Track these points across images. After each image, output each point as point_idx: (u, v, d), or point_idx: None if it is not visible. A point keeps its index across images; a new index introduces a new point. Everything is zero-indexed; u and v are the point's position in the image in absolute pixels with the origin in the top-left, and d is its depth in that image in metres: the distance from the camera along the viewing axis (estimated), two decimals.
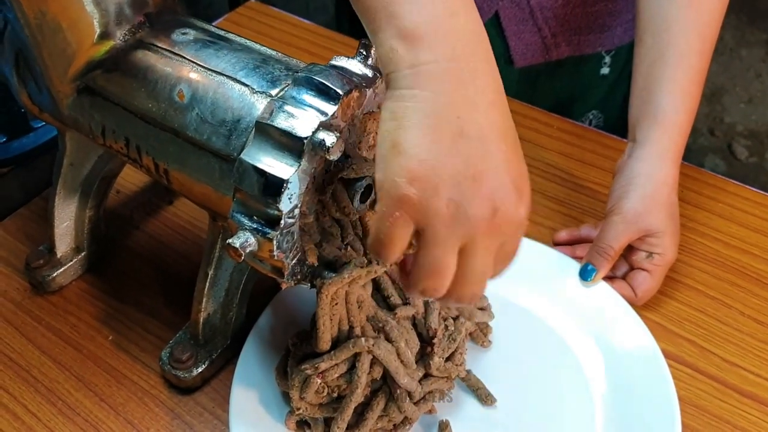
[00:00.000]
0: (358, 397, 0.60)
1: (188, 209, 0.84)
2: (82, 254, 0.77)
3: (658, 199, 0.71)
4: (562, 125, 0.93)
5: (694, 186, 0.85)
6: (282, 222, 0.51)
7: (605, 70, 1.02)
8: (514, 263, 0.73)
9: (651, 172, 0.72)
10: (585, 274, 0.72)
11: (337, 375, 0.60)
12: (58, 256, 0.76)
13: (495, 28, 0.97)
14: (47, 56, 0.61)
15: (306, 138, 0.50)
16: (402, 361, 0.61)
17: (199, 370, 0.67)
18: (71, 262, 0.76)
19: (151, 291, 0.76)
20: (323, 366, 0.59)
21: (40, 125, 0.86)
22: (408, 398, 0.61)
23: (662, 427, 0.61)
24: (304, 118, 0.50)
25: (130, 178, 0.87)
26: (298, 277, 0.56)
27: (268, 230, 0.52)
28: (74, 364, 0.70)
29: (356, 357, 0.60)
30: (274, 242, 0.52)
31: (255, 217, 0.52)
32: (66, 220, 0.75)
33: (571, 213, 0.82)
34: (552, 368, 0.68)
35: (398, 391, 0.61)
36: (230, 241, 0.51)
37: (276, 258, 0.53)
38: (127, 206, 0.84)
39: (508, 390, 0.65)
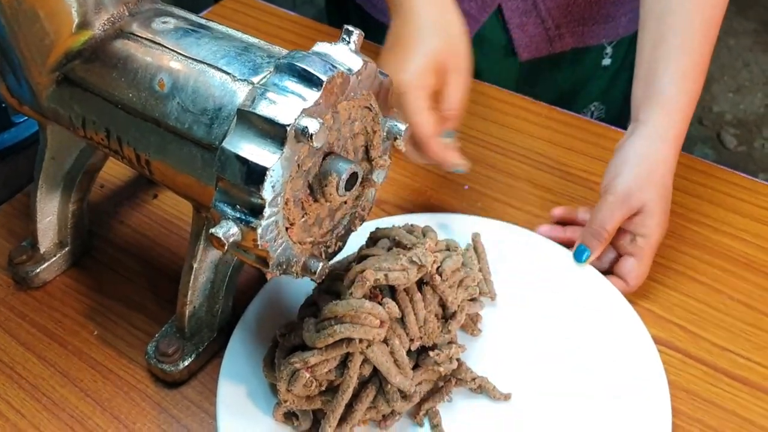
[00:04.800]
0: (348, 395, 0.59)
1: (173, 203, 0.83)
2: (66, 249, 0.76)
3: (651, 178, 0.70)
4: (551, 114, 0.93)
5: (683, 172, 0.84)
6: (265, 211, 0.51)
7: (606, 61, 1.01)
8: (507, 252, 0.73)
9: (647, 152, 0.71)
10: (578, 255, 0.72)
11: (326, 370, 0.59)
12: (42, 251, 0.75)
13: (498, 21, 0.97)
14: (24, 47, 0.60)
15: (288, 125, 0.49)
16: (396, 360, 0.60)
17: (186, 363, 0.66)
18: (55, 258, 0.75)
19: (137, 285, 0.75)
20: (313, 361, 0.58)
21: (21, 120, 0.85)
22: (398, 393, 0.60)
23: (653, 412, 0.61)
24: (287, 104, 0.50)
25: (114, 173, 0.86)
26: (284, 267, 0.56)
27: (251, 219, 0.51)
28: (59, 359, 0.69)
29: (347, 354, 0.59)
30: (258, 231, 0.51)
31: (238, 206, 0.51)
32: (48, 215, 0.74)
33: (561, 201, 0.82)
34: (541, 355, 0.67)
35: (388, 386, 0.60)
36: (213, 230, 0.50)
37: (260, 247, 0.52)
38: (111, 201, 0.84)
39: (498, 377, 0.65)
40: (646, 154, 0.71)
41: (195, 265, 0.64)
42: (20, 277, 0.74)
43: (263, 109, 0.50)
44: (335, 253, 0.62)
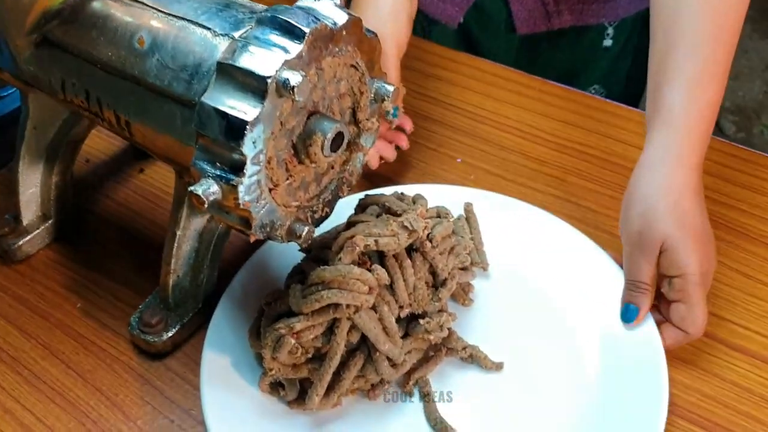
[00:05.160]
0: (335, 363, 0.58)
1: (160, 177, 0.81)
2: (49, 222, 0.74)
3: (659, 211, 0.61)
4: (544, 87, 0.91)
5: None
6: (246, 168, 0.49)
7: (608, 42, 0.99)
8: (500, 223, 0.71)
9: (651, 180, 0.63)
10: (625, 315, 0.63)
11: (312, 336, 0.57)
12: (24, 224, 0.73)
13: None
14: (3, 7, 0.59)
15: (269, 77, 0.47)
16: (384, 327, 0.58)
17: (170, 334, 0.64)
18: (38, 230, 0.73)
19: (122, 259, 0.73)
20: (298, 327, 0.56)
21: (6, 93, 0.83)
22: (387, 361, 0.59)
23: (650, 382, 0.59)
24: (268, 57, 0.48)
25: (101, 147, 0.84)
26: (268, 229, 0.54)
27: (232, 177, 0.49)
28: (41, 332, 0.67)
29: (334, 320, 0.58)
30: (239, 189, 0.49)
31: (218, 164, 0.50)
32: (31, 187, 0.72)
33: (554, 173, 0.80)
34: (534, 326, 0.66)
35: (377, 354, 0.59)
36: (192, 188, 0.49)
37: (242, 207, 0.50)
38: (96, 175, 0.82)
39: (489, 348, 0.63)
40: (650, 186, 0.63)
41: (178, 233, 0.62)
42: (2, 250, 0.73)
43: (243, 61, 0.48)
44: (322, 219, 0.61)
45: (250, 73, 0.48)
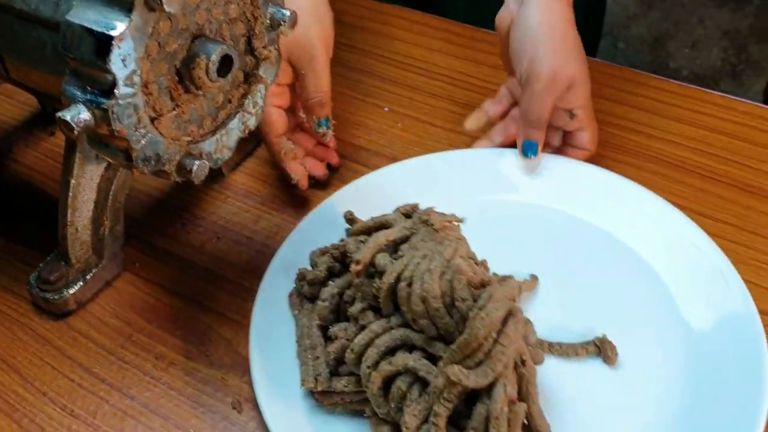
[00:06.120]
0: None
1: None
2: None
3: (567, 48, 0.65)
4: (475, 34, 0.88)
5: (614, 83, 0.79)
6: (117, 90, 0.45)
7: None
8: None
9: (550, 16, 0.65)
10: (527, 151, 0.67)
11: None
12: None
13: None
14: None
15: None
16: None
17: (71, 291, 0.61)
18: None
19: (27, 221, 0.69)
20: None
21: None
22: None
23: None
24: None
25: (10, 114, 0.80)
26: (153, 163, 0.50)
27: (102, 100, 0.45)
28: None
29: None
30: (110, 113, 0.45)
31: (89, 88, 0.46)
32: None
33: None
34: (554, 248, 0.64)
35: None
36: (60, 114, 0.45)
37: (117, 134, 0.47)
38: (5, 141, 0.78)
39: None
40: (550, 22, 0.65)
41: (72, 181, 0.58)
42: None
43: None
44: (221, 159, 0.57)
45: None
